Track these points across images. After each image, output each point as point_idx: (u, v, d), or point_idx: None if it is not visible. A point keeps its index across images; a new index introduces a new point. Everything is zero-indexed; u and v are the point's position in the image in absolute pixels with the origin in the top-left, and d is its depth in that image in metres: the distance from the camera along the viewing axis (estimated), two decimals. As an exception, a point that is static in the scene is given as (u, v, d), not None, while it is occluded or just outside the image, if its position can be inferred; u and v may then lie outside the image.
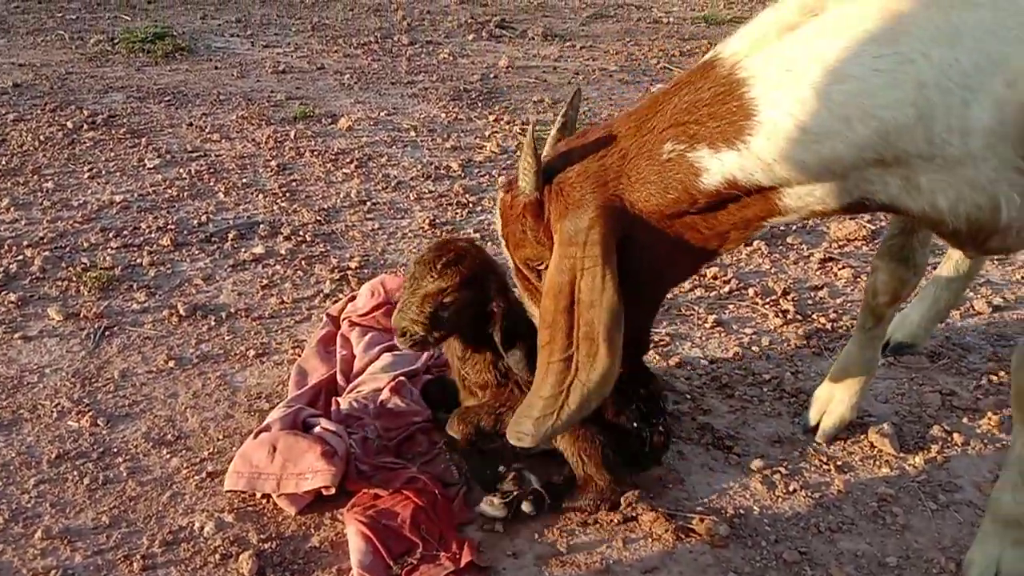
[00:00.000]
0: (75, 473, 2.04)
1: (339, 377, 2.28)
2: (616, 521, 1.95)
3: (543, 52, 6.31)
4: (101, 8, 6.92)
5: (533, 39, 6.69)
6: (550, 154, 1.71)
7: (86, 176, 3.64)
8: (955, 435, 2.29)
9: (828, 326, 2.79)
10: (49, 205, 3.37)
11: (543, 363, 1.62)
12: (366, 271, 3.01)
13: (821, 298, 2.97)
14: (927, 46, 1.33)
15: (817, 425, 2.27)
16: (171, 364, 2.46)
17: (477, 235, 3.28)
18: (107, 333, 2.59)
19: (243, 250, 3.10)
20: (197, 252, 3.08)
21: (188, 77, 5.16)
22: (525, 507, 1.90)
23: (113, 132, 4.15)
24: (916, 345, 2.64)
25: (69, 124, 4.21)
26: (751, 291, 2.99)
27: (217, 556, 1.82)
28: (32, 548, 1.83)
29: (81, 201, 3.41)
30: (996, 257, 3.29)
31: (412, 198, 3.64)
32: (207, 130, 4.24)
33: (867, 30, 1.35)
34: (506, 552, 1.86)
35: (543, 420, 1.62)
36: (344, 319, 2.54)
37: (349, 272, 2.98)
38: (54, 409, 2.26)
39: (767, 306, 2.91)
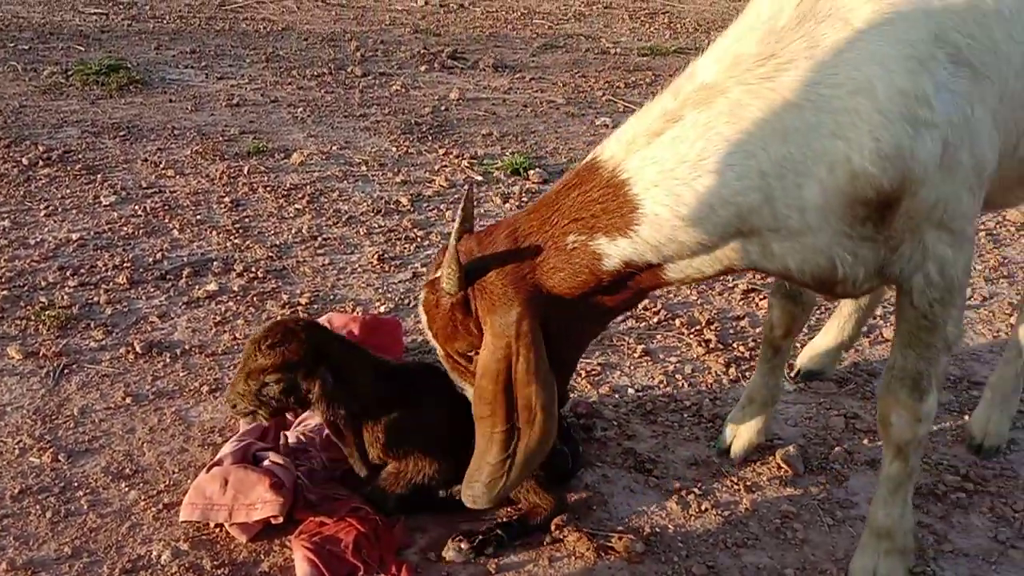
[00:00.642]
0: (38, 507, 2.18)
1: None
2: (544, 541, 2.14)
3: (493, 84, 6.52)
4: (54, 38, 6.98)
5: (484, 70, 6.88)
6: (458, 247, 1.88)
7: (43, 214, 3.75)
8: (855, 455, 2.52)
9: (747, 354, 3.01)
10: (6, 244, 3.47)
11: (485, 434, 1.85)
12: (316, 306, 3.17)
13: (742, 327, 3.20)
14: (765, 143, 1.60)
15: (729, 448, 2.49)
16: (128, 400, 2.60)
17: (423, 270, 3.46)
18: (66, 371, 2.72)
19: (197, 287, 3.24)
20: (152, 290, 3.22)
21: (143, 111, 5.28)
22: (489, 551, 2.07)
23: (68, 168, 4.26)
24: (824, 372, 2.88)
25: (24, 160, 4.31)
26: (678, 321, 3.21)
27: (173, 582, 1.97)
28: (-2, 579, 1.97)
29: (38, 239, 3.53)
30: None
31: (362, 233, 3.80)
32: (161, 166, 4.37)
33: (718, 133, 1.62)
34: (441, 573, 2.04)
35: (495, 483, 1.87)
36: (294, 355, 2.69)
37: (300, 308, 3.14)
38: (16, 446, 2.38)
39: (692, 336, 3.13)
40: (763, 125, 1.61)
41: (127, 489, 2.26)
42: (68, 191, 4.02)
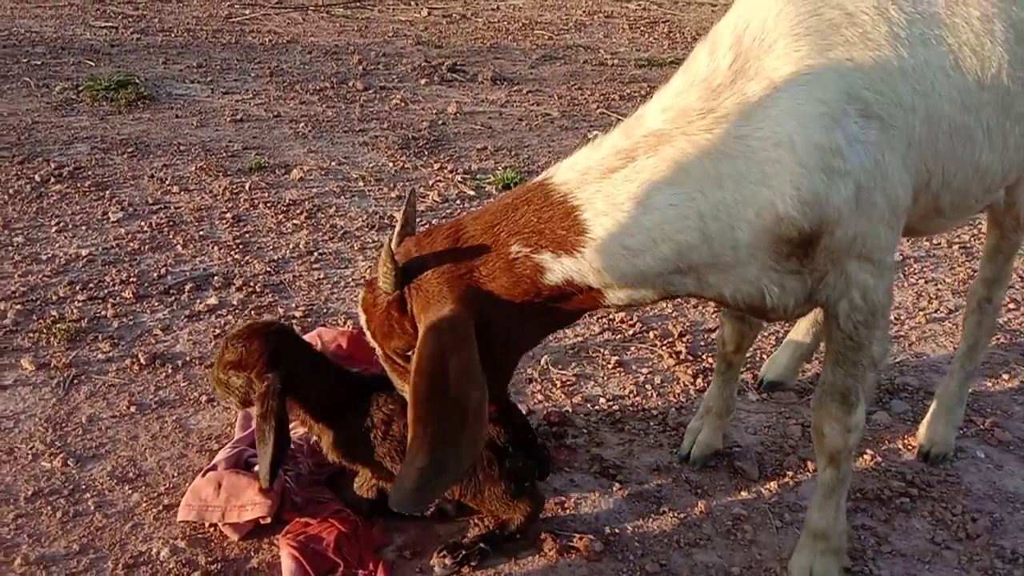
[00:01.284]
0: (49, 508, 2.38)
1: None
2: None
3: (491, 97, 6.71)
4: (65, 52, 7.20)
5: (483, 83, 7.07)
6: (397, 249, 2.00)
7: (54, 230, 3.96)
8: (808, 463, 2.70)
9: (715, 365, 3.19)
10: (20, 259, 3.68)
11: (417, 437, 1.88)
12: (310, 319, 3.37)
13: (713, 340, 3.38)
14: (703, 187, 1.79)
15: (689, 454, 2.67)
16: (132, 409, 2.80)
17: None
18: (75, 381, 2.92)
19: (199, 301, 3.44)
20: (157, 304, 3.42)
21: (150, 127, 5.49)
22: (473, 563, 2.22)
23: (79, 185, 4.47)
24: (786, 383, 3.06)
25: (37, 177, 4.52)
26: (652, 334, 3.40)
27: (171, 576, 2.17)
28: (12, 573, 2.16)
29: (50, 255, 3.74)
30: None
31: (356, 248, 4.00)
32: (167, 182, 4.58)
33: (664, 176, 1.80)
34: (415, 569, 2.23)
35: (424, 488, 1.89)
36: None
37: (294, 321, 3.34)
38: (29, 452, 2.59)
39: (664, 347, 3.31)
40: (702, 172, 1.79)
41: (130, 491, 2.46)
42: (78, 207, 4.23)
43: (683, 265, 1.84)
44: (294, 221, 4.23)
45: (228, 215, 4.23)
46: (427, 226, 4.26)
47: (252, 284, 3.59)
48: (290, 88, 6.55)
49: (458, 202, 4.61)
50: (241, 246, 3.93)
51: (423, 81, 7.01)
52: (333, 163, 5.04)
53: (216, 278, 3.62)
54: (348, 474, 2.43)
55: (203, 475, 2.34)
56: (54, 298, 3.41)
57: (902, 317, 3.62)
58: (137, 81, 6.28)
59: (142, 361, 3.03)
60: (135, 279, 3.58)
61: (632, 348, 3.31)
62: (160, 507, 2.40)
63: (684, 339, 3.36)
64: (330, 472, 2.47)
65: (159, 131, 5.42)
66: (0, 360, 3.01)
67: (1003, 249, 2.56)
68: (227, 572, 2.19)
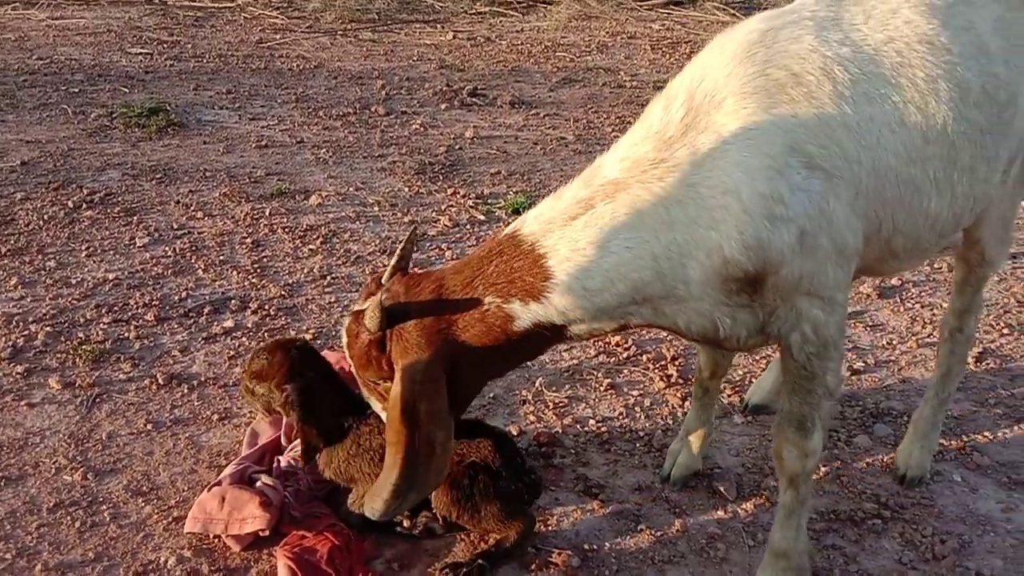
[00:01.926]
0: (68, 518, 2.58)
1: (283, 439, 2.81)
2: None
3: (508, 121, 6.88)
4: (102, 80, 7.52)
5: (501, 107, 7.24)
6: (389, 284, 2.20)
7: (83, 255, 4.20)
8: (786, 484, 2.81)
9: (692, 391, 3.31)
10: (51, 283, 3.92)
11: (391, 456, 2.12)
12: (319, 342, 3.55)
13: (704, 363, 3.50)
14: (657, 231, 1.94)
15: (670, 475, 2.80)
16: (149, 427, 3.00)
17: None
18: (97, 400, 3.13)
19: (215, 324, 3.64)
20: (176, 326, 3.63)
21: (179, 153, 5.74)
22: None
23: (108, 211, 4.71)
24: (770, 406, 3.17)
25: (70, 203, 4.78)
26: (645, 357, 3.53)
27: (176, 584, 2.35)
28: (33, 579, 2.36)
29: (79, 279, 3.97)
30: (866, 324, 3.84)
31: (367, 272, 4.18)
32: (192, 207, 4.81)
33: (621, 222, 1.97)
34: (401, 581, 2.39)
35: (393, 500, 2.12)
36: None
37: (304, 343, 3.52)
38: (52, 466, 2.79)
39: (656, 371, 3.45)
40: (656, 217, 1.95)
41: (143, 504, 2.65)
42: (107, 232, 4.47)
43: (639, 298, 2.01)
44: (310, 246, 4.43)
45: (248, 240, 4.44)
46: (436, 251, 4.49)
47: (267, 307, 3.79)
48: (314, 114, 6.78)
49: (469, 227, 4.78)
50: (259, 270, 4.14)
51: (443, 106, 7.20)
52: (351, 188, 5.24)
53: (233, 301, 3.82)
54: (344, 491, 2.60)
55: (208, 490, 2.52)
56: (81, 320, 3.63)
57: (894, 342, 3.72)
58: (168, 108, 6.55)
59: (160, 381, 3.23)
60: (157, 302, 3.79)
61: (625, 371, 3.45)
62: (170, 519, 2.58)
63: (676, 363, 3.49)
64: (328, 489, 2.64)
65: (187, 157, 5.67)
66: (30, 380, 3.23)
67: (971, 282, 2.66)
68: (228, 581, 2.37)
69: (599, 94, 7.85)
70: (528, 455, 2.88)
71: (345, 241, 4.52)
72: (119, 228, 4.54)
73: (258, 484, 2.54)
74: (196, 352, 3.46)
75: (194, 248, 4.34)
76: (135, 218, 4.65)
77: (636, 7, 11.40)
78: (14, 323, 3.58)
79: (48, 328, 3.55)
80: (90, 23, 9.42)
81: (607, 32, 10.49)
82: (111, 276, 4.00)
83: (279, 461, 2.71)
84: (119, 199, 4.90)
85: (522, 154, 6.12)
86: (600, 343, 3.62)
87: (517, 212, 4.93)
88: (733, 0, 11.34)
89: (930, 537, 2.61)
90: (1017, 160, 2.37)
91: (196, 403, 3.14)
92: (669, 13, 11.31)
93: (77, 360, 3.35)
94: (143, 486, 2.73)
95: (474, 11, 11.00)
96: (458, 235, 4.67)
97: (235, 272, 4.11)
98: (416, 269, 2.35)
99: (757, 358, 3.54)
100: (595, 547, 2.53)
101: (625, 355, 3.55)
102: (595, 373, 3.42)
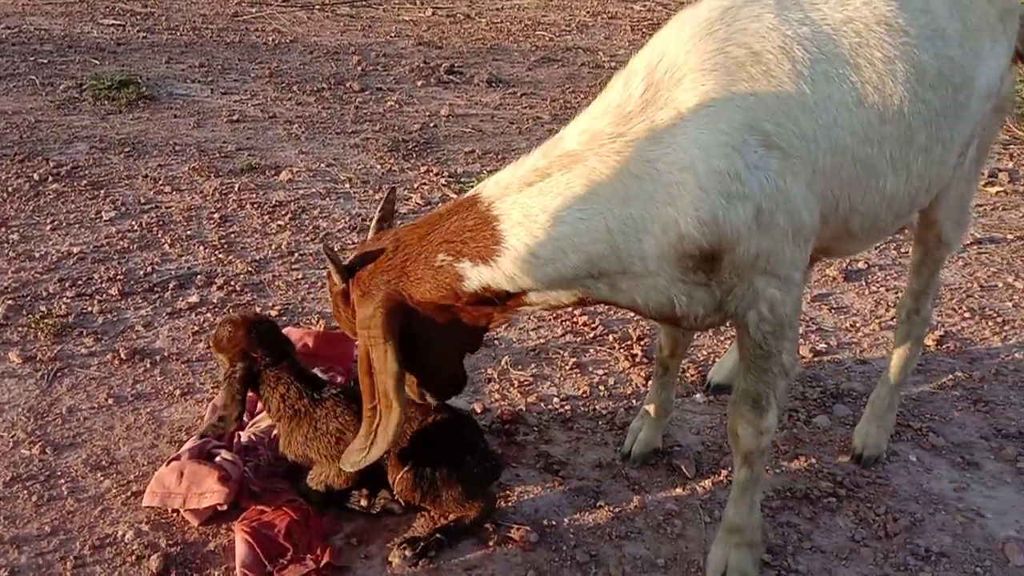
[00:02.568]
0: (25, 492, 2.56)
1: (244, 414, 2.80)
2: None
3: (484, 99, 6.84)
4: (72, 51, 7.41)
5: (478, 85, 7.19)
6: (370, 242, 2.24)
7: (48, 228, 4.15)
8: (745, 462, 2.84)
9: (653, 369, 3.33)
10: (14, 256, 3.87)
11: (363, 410, 2.23)
12: (285, 318, 3.54)
13: (669, 343, 3.52)
14: (612, 204, 1.93)
15: (630, 452, 2.82)
16: (110, 402, 2.98)
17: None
18: (58, 374, 3.11)
19: (180, 299, 3.62)
20: (140, 301, 3.60)
21: (148, 126, 5.68)
22: (432, 554, 2.39)
23: (75, 184, 4.66)
24: (731, 386, 3.18)
25: (35, 176, 4.72)
26: (611, 337, 3.55)
27: (133, 557, 2.34)
28: (-12, 552, 2.35)
29: (42, 252, 3.93)
30: (830, 306, 3.87)
31: (336, 249, 4.15)
32: (160, 182, 4.76)
33: (575, 193, 1.96)
34: (360, 555, 2.40)
35: (361, 452, 2.22)
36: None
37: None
38: (11, 440, 2.77)
39: (622, 350, 3.46)
40: (611, 190, 1.95)
41: (102, 478, 2.63)
42: (73, 206, 4.42)
43: (594, 271, 2.01)
44: (279, 222, 4.40)
45: (216, 215, 4.41)
46: (408, 228, 4.47)
47: (233, 283, 3.77)
48: (288, 89, 6.71)
49: (440, 205, 4.76)
50: (226, 246, 4.11)
51: (419, 83, 7.15)
52: (322, 165, 5.20)
53: (199, 277, 3.79)
54: (304, 467, 2.60)
55: (167, 464, 2.51)
56: (44, 294, 3.60)
57: (857, 324, 3.75)
58: (139, 80, 6.46)
59: (122, 356, 3.21)
60: (122, 277, 3.76)
61: (591, 350, 3.47)
62: (129, 493, 2.57)
63: (642, 343, 3.51)
64: (289, 464, 2.63)
65: (157, 131, 5.61)
66: (-10, 353, 3.20)
67: (928, 264, 2.69)
68: (186, 554, 2.37)
69: (577, 74, 7.81)
70: (491, 433, 2.90)
71: (314, 218, 4.49)
72: (85, 201, 4.49)
73: (217, 459, 2.54)
74: (160, 327, 3.44)
75: (161, 223, 4.30)
76: (102, 191, 4.60)
77: (616, -13, 11.33)
78: (-25, 296, 3.54)
79: (10, 301, 3.51)
80: (61, -7, 9.26)
81: (587, 12, 10.45)
82: (75, 250, 3.96)
83: (239, 436, 2.70)
84: (86, 172, 4.84)
85: (497, 133, 6.10)
86: (567, 322, 3.63)
87: (489, 191, 4.92)
88: (713, -19, 11.29)
89: (883, 515, 2.65)
90: (972, 143, 2.40)
91: (158, 378, 3.12)
92: (649, -7, 11.25)
93: (39, 334, 3.32)
94: (102, 460, 2.71)
95: (453, -12, 10.90)
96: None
97: (202, 247, 4.08)
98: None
99: (721, 338, 3.57)
100: (554, 523, 2.55)
101: (592, 335, 3.57)
102: (561, 352, 3.43)
